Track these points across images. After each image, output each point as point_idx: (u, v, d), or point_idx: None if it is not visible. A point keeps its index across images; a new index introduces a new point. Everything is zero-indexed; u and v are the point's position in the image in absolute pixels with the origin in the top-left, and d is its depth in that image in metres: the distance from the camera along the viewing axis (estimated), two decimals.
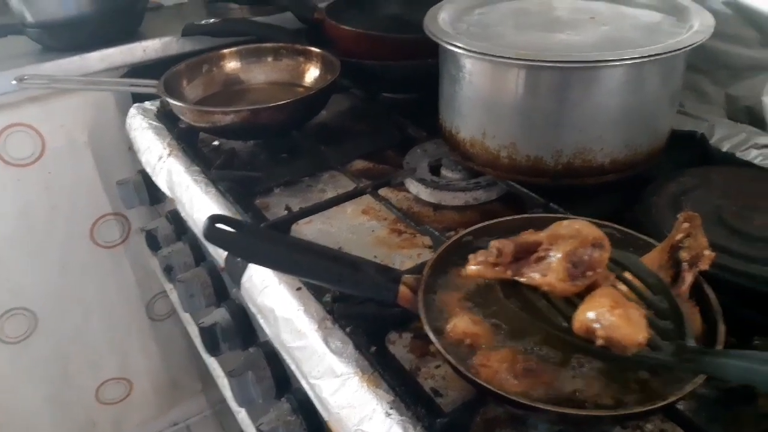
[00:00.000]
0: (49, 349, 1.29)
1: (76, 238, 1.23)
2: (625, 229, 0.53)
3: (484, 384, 0.42)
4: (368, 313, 0.56)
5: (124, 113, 1.06)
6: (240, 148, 0.91)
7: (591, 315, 0.41)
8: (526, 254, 0.46)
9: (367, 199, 0.75)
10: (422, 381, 0.52)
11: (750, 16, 0.78)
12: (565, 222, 0.47)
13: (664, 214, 0.62)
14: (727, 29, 0.80)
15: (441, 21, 0.73)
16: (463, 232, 0.54)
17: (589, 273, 0.43)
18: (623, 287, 0.45)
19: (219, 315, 0.78)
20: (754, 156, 0.76)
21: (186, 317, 1.04)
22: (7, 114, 1.07)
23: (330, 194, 0.78)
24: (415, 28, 0.75)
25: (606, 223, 0.53)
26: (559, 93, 0.64)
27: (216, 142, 0.94)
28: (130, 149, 1.04)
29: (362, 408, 0.49)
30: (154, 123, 0.98)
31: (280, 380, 0.68)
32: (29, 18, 1.05)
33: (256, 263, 0.61)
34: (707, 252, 0.47)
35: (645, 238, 0.52)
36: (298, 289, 0.61)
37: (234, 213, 0.74)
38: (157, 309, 1.41)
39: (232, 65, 0.99)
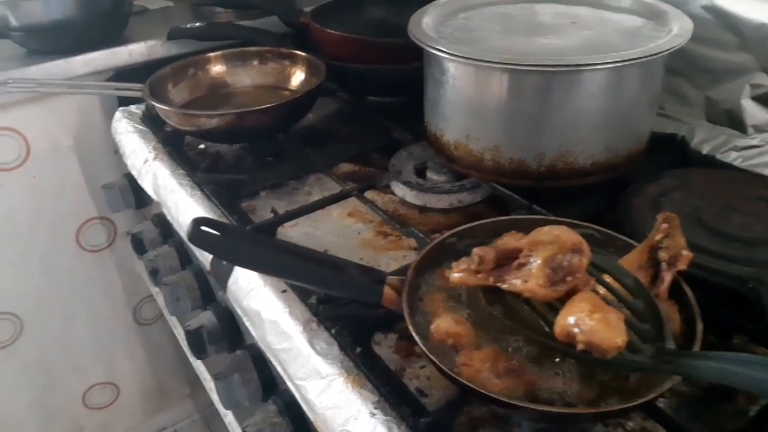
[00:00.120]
0: (36, 354, 1.28)
1: (61, 243, 1.22)
2: (606, 231, 0.54)
3: (467, 383, 0.42)
4: (353, 314, 0.56)
5: (109, 117, 1.05)
6: (226, 151, 0.92)
7: (571, 320, 0.41)
8: (507, 261, 0.46)
9: (353, 202, 0.76)
10: (407, 381, 0.52)
11: (728, 21, 0.80)
12: (545, 228, 0.47)
13: (644, 215, 0.63)
14: (707, 33, 0.81)
15: (425, 25, 0.74)
16: (447, 233, 0.55)
17: (569, 278, 0.44)
18: (603, 290, 0.46)
19: (205, 318, 0.78)
20: (733, 158, 0.77)
21: (173, 320, 1.04)
22: None
23: (316, 197, 0.79)
24: (400, 32, 0.75)
25: (587, 224, 0.54)
26: (541, 96, 0.65)
27: (202, 146, 0.94)
28: (116, 153, 1.03)
29: (347, 408, 0.49)
30: (140, 126, 0.98)
31: (266, 382, 0.68)
32: (13, 22, 1.04)
33: (240, 266, 0.61)
34: (685, 252, 0.48)
35: (625, 238, 0.53)
36: (284, 291, 0.61)
37: (219, 216, 0.74)
38: (144, 313, 1.40)
39: (217, 69, 0.99)
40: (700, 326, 0.44)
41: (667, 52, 0.64)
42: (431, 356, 0.44)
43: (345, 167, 0.86)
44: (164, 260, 0.92)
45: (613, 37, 0.71)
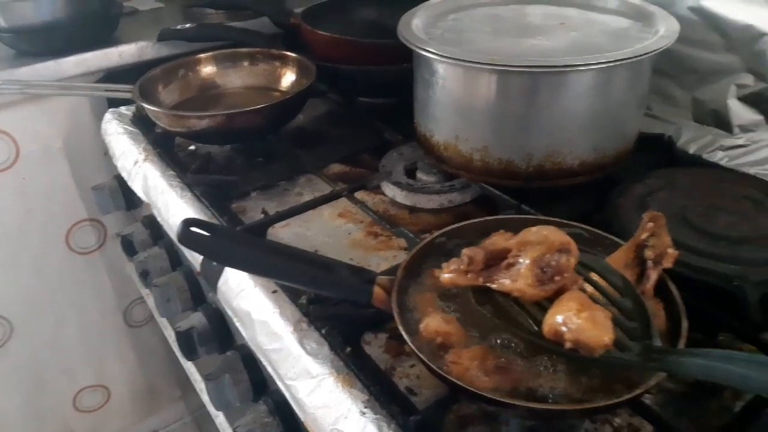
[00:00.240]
0: (26, 357, 1.27)
1: (51, 245, 1.21)
2: (594, 230, 0.55)
3: (456, 381, 0.42)
4: (343, 314, 0.57)
5: (99, 118, 1.05)
6: (216, 152, 0.92)
7: (559, 319, 0.42)
8: (496, 261, 0.47)
9: (343, 203, 0.76)
10: (397, 380, 0.52)
11: (714, 22, 0.81)
12: (534, 228, 0.48)
13: (631, 214, 0.63)
14: (693, 34, 0.82)
15: (414, 26, 0.74)
16: (436, 233, 0.55)
17: (557, 277, 0.44)
18: (591, 289, 0.46)
19: (196, 319, 0.78)
20: (720, 157, 0.78)
21: (163, 322, 1.03)
22: None
23: (306, 198, 0.79)
24: (391, 33, 0.75)
25: (575, 223, 0.55)
26: (529, 97, 0.66)
27: (192, 147, 0.94)
28: (106, 154, 1.03)
29: (337, 408, 0.50)
30: (130, 128, 0.98)
31: (257, 383, 0.68)
32: (3, 23, 1.04)
33: (230, 266, 0.62)
34: (671, 250, 0.48)
35: (612, 237, 0.54)
36: (274, 291, 0.62)
37: (210, 217, 0.74)
38: (135, 315, 1.40)
39: (208, 70, 0.99)
40: (685, 324, 0.45)
41: (654, 53, 0.65)
42: (420, 355, 0.44)
43: (335, 168, 0.87)
44: (154, 262, 0.92)
45: (600, 39, 0.71)
